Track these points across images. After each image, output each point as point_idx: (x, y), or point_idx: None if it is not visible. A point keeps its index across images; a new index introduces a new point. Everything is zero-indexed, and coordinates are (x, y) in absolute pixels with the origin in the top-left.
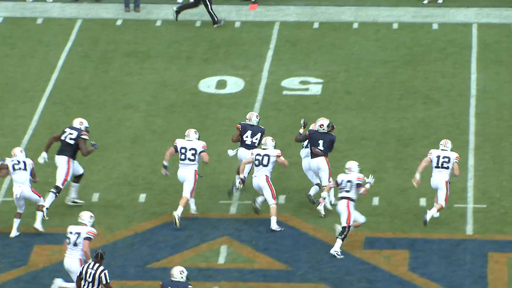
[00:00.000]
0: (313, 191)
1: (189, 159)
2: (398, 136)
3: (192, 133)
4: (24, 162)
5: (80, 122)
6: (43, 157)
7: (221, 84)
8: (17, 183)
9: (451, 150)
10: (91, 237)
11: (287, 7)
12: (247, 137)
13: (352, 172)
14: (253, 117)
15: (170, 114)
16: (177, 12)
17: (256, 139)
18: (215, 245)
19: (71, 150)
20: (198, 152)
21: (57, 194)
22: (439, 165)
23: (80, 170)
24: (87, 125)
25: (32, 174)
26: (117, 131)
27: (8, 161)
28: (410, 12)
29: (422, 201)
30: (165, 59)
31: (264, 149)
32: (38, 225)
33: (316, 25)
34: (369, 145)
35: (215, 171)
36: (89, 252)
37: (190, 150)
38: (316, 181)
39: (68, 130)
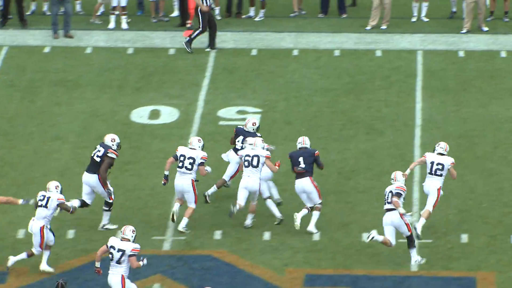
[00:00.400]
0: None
1: (186, 168)
2: (340, 168)
3: (195, 141)
4: (48, 198)
5: (112, 139)
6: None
7: (155, 114)
8: (34, 218)
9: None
10: (136, 254)
11: (224, 33)
12: (238, 141)
13: (396, 182)
14: (248, 124)
15: None
16: (211, 47)
17: (262, 141)
18: (147, 283)
19: (99, 167)
20: (196, 162)
21: (109, 210)
22: (433, 172)
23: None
24: (119, 141)
25: (64, 209)
26: (44, 164)
27: (38, 197)
28: (353, 39)
29: (365, 236)
30: (95, 88)
31: (253, 149)
32: (44, 266)
33: (254, 52)
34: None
35: (148, 206)
36: (140, 266)
37: (188, 158)
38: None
39: (98, 147)
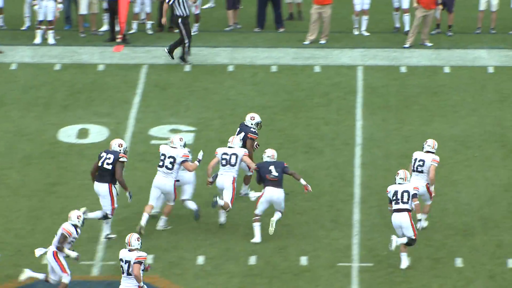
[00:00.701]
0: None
1: (167, 167)
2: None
3: (176, 139)
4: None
5: (119, 144)
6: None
7: (83, 133)
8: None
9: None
10: (141, 261)
11: (155, 49)
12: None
13: (406, 182)
14: (247, 117)
15: (26, 166)
16: (170, 52)
17: (240, 139)
18: None
19: (110, 175)
20: (177, 161)
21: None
22: (415, 169)
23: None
24: (126, 146)
25: (60, 240)
26: None
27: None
28: (290, 54)
29: (303, 260)
30: (20, 106)
31: (230, 147)
32: None
33: (187, 68)
34: (247, 199)
35: None
36: (140, 276)
37: (169, 157)
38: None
39: (104, 155)
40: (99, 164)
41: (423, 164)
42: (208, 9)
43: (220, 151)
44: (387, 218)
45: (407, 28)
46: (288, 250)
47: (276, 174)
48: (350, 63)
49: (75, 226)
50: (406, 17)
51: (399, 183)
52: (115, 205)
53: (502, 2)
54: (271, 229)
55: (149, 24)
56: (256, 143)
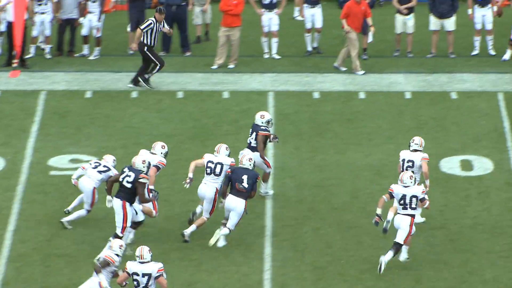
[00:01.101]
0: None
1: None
2: (183, 222)
3: (158, 146)
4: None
5: (143, 161)
6: (108, 200)
7: None
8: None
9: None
10: (162, 274)
11: (54, 74)
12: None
13: (411, 185)
14: (257, 117)
15: None
16: (135, 82)
17: (252, 138)
18: None
19: (128, 193)
20: (151, 165)
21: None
22: (404, 169)
23: (140, 217)
24: (149, 163)
25: (102, 264)
26: None
27: None
28: (197, 79)
29: None
30: None
31: (216, 156)
32: None
33: (88, 94)
34: (151, 232)
35: None
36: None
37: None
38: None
39: (126, 171)
40: (120, 179)
41: (413, 164)
42: (110, 32)
43: (206, 157)
44: (300, 252)
45: (315, 44)
46: (196, 286)
47: (246, 185)
48: (260, 88)
49: (117, 255)
50: (318, 36)
51: (405, 187)
52: (128, 224)
53: (419, 24)
54: (212, 241)
55: (48, 48)
56: (272, 137)
